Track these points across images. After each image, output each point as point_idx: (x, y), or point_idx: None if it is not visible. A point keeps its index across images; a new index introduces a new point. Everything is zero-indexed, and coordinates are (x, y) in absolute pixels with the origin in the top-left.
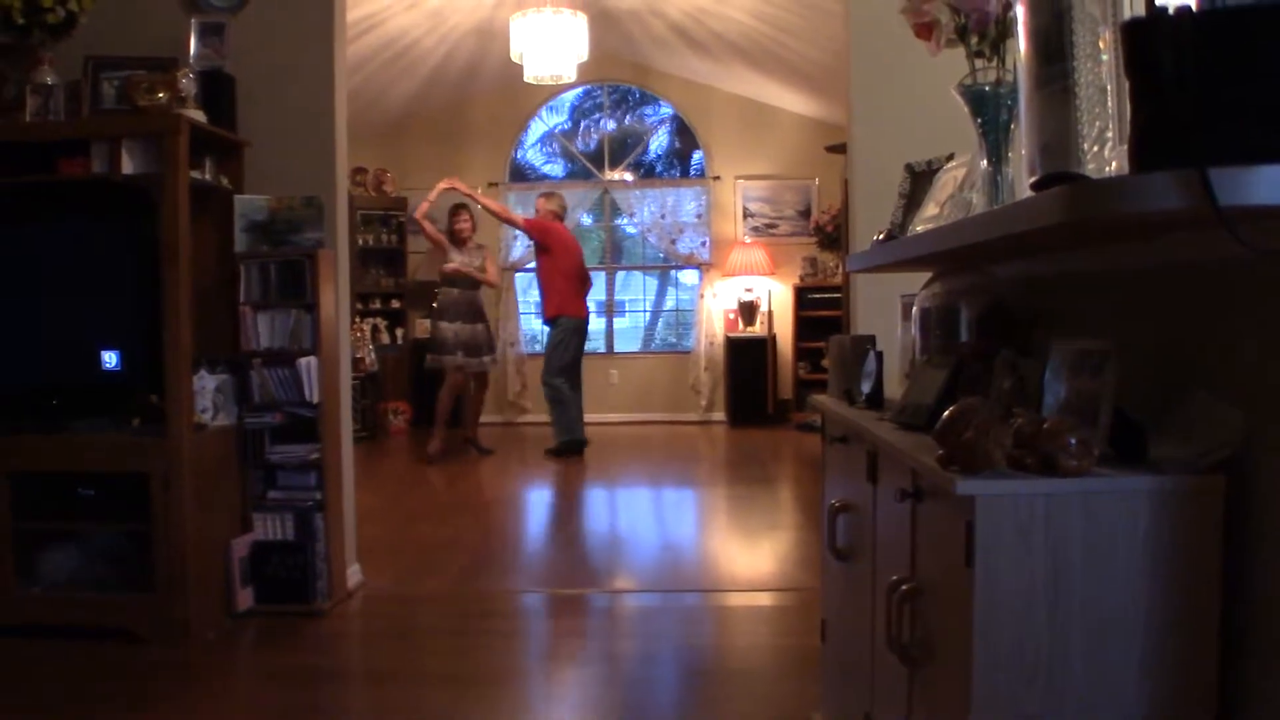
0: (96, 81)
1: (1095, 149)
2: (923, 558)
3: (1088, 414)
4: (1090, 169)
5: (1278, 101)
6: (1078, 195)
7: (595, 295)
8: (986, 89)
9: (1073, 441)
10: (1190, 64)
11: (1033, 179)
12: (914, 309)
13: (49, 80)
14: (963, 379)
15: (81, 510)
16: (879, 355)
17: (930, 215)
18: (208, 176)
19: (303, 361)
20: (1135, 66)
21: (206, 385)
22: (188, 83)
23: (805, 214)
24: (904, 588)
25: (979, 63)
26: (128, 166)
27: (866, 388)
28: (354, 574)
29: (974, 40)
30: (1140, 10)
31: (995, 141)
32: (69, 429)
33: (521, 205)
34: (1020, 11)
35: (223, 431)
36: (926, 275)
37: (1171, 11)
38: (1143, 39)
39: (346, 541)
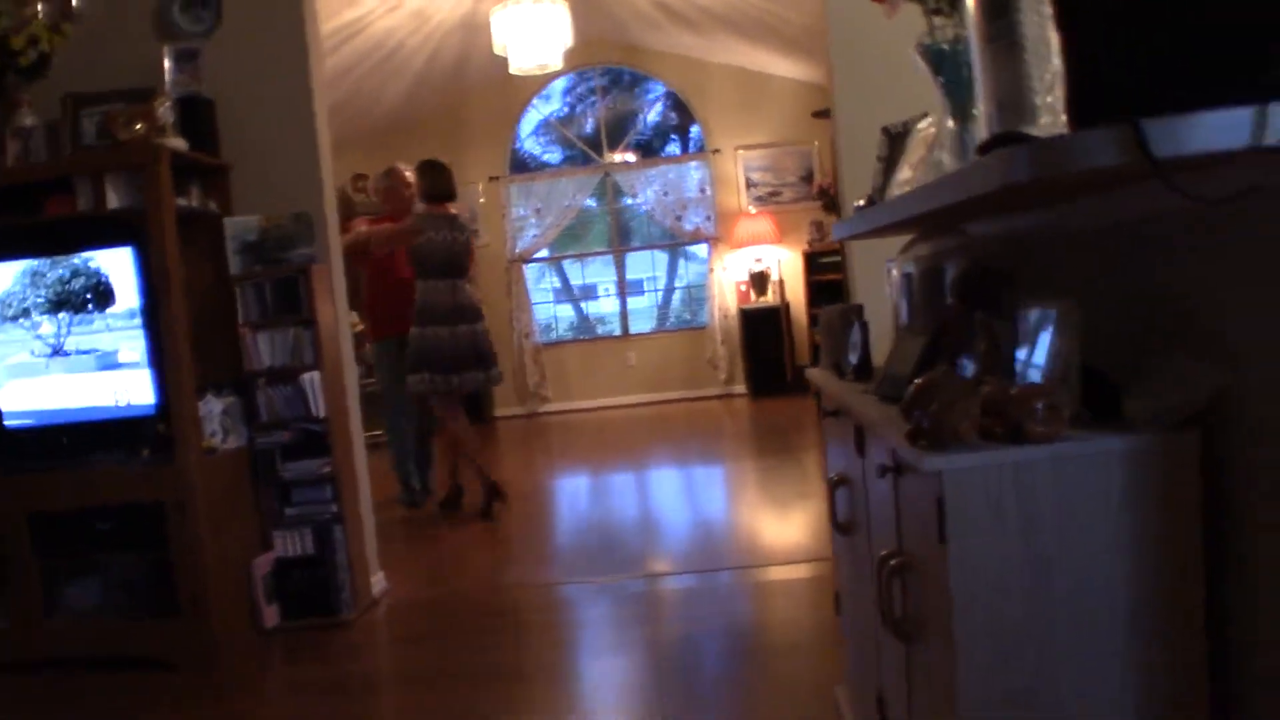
0: (76, 118)
1: (1049, 100)
2: (907, 532)
3: (1059, 375)
4: (1045, 122)
5: (1207, 47)
6: (1015, 158)
7: (606, 277)
8: (945, 47)
9: (1040, 407)
10: (1115, 14)
11: (980, 141)
12: (893, 274)
13: (28, 122)
14: (942, 345)
15: (101, 542)
16: (864, 326)
17: (904, 179)
18: (194, 203)
19: (306, 377)
20: (1064, 20)
21: (214, 409)
22: (165, 111)
23: (808, 179)
24: (892, 562)
25: (937, 20)
26: (113, 200)
27: (854, 359)
28: (378, 582)
29: None
30: None
31: (960, 99)
32: (82, 464)
33: (524, 196)
34: None
35: (235, 453)
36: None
37: None
38: None
39: (367, 550)
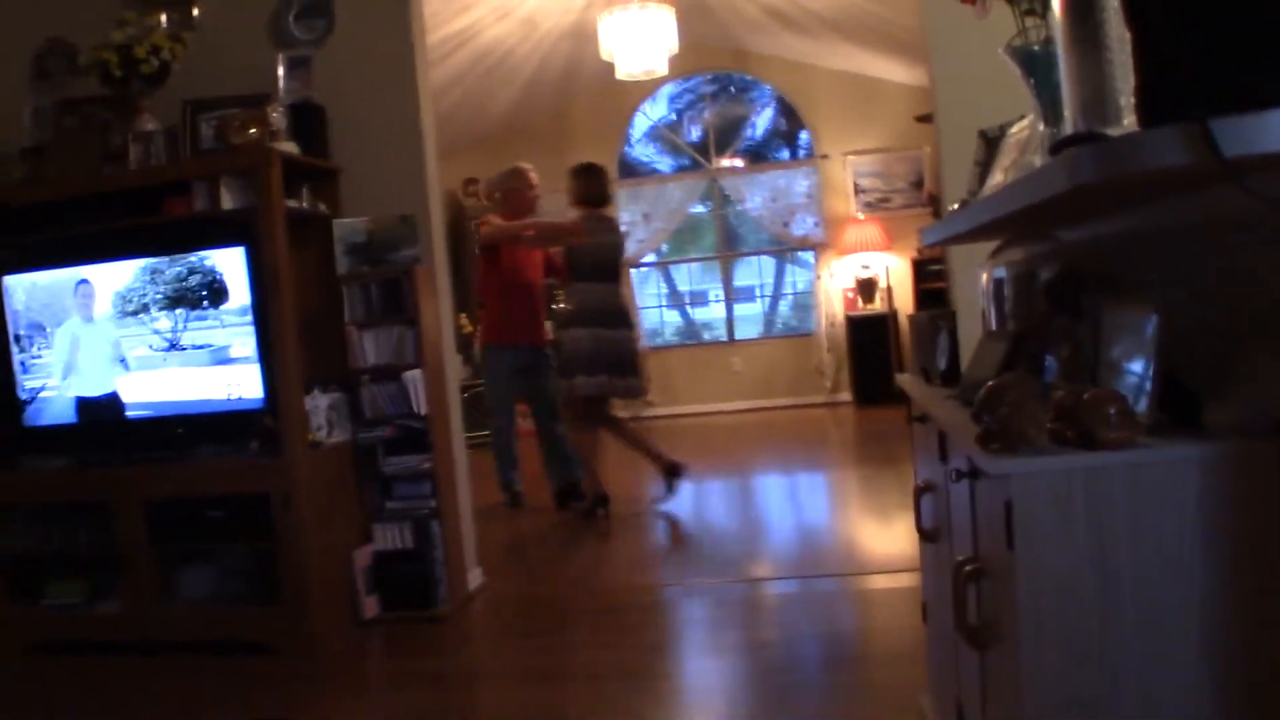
0: (194, 123)
1: (1133, 102)
2: (983, 538)
3: (1138, 380)
4: (1128, 123)
5: (1278, 44)
6: (1081, 159)
7: (714, 282)
8: (1036, 48)
9: (1113, 412)
10: (1184, 12)
11: (1052, 143)
12: (983, 279)
13: (149, 127)
14: (1023, 350)
15: (212, 531)
16: (952, 331)
17: (996, 182)
18: (305, 204)
19: (408, 375)
20: (1134, 18)
21: (319, 404)
22: (278, 117)
23: (918, 185)
24: (968, 569)
25: (1029, 21)
26: (227, 202)
27: (942, 364)
28: (475, 577)
29: None
30: None
31: (1051, 101)
32: (194, 456)
33: (632, 200)
34: None
35: (339, 448)
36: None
37: None
38: None
39: (465, 546)
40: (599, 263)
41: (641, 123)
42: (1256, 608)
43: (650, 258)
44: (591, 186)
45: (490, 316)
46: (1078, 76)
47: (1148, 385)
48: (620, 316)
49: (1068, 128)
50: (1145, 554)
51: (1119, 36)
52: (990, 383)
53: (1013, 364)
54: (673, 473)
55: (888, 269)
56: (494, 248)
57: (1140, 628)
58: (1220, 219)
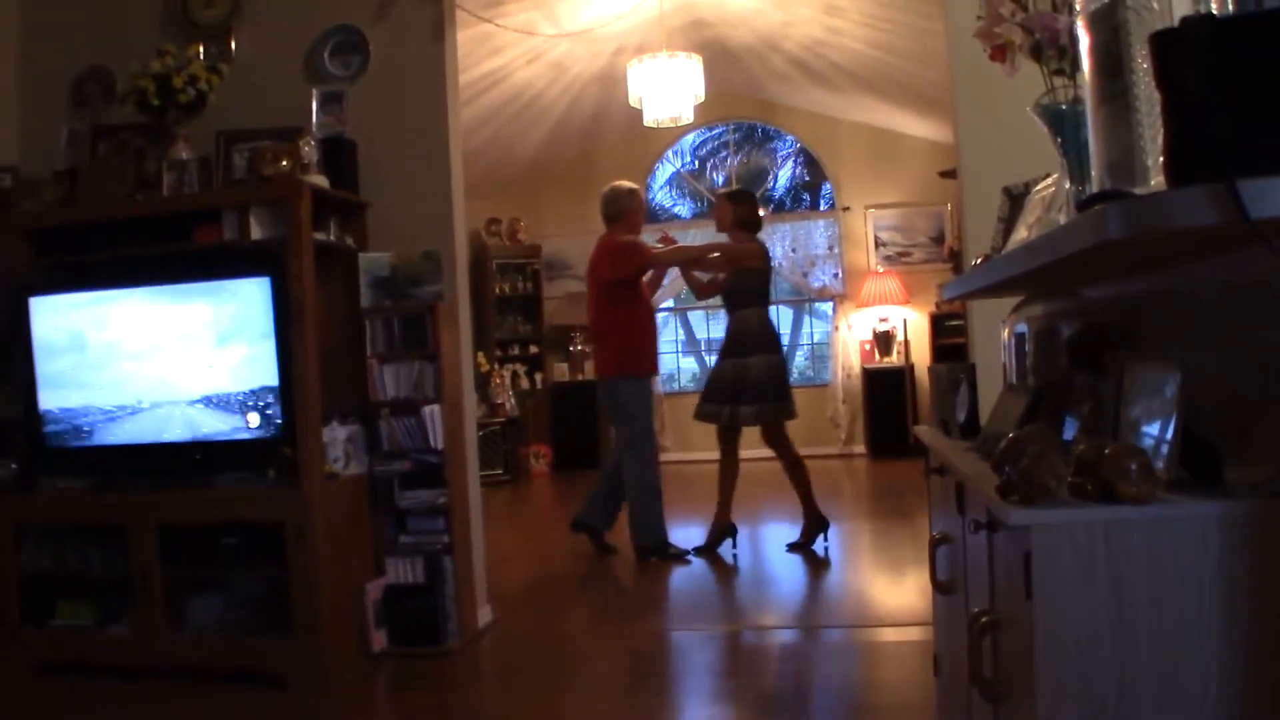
0: (227, 153)
1: (1161, 162)
2: (1000, 590)
3: (1159, 438)
4: (1155, 183)
5: None
6: (1108, 215)
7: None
8: (1064, 107)
9: (1134, 467)
10: (1215, 73)
11: (1078, 200)
12: (1005, 334)
13: (183, 155)
14: (1044, 404)
15: (225, 558)
16: (972, 385)
17: (1019, 239)
18: (332, 237)
19: (427, 410)
20: (1164, 78)
21: (338, 436)
22: (309, 150)
23: (939, 240)
24: (984, 620)
25: (1058, 80)
26: (256, 232)
27: (961, 417)
28: (485, 614)
29: (1051, 58)
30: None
31: (1077, 160)
32: (210, 482)
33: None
34: (1081, 28)
35: (355, 480)
36: None
37: (1192, 20)
38: (1169, 50)
39: (477, 583)
40: (763, 288)
41: (664, 169)
42: (1275, 669)
43: (669, 303)
44: (749, 212)
45: (630, 345)
46: (1106, 136)
47: (1168, 442)
48: (774, 341)
49: (1093, 186)
50: (1164, 610)
51: (1147, 98)
52: (1012, 434)
53: (1034, 418)
54: (728, 532)
55: (905, 322)
56: (635, 276)
57: (1158, 683)
58: (1243, 280)
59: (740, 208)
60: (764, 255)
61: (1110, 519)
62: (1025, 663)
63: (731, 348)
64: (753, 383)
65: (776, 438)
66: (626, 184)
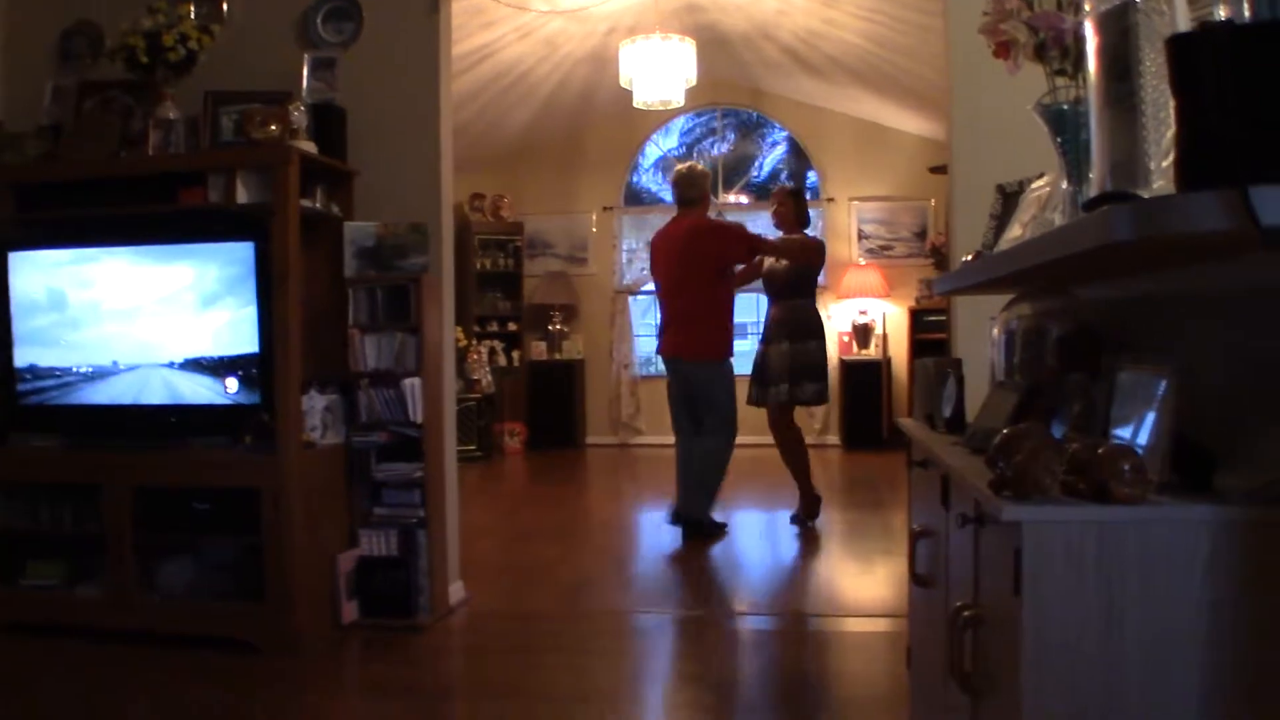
0: (215, 115)
1: (1164, 166)
2: (985, 585)
3: (1151, 440)
4: (1157, 186)
5: None
6: (1117, 216)
7: None
8: (1065, 107)
9: (1127, 468)
10: (1231, 79)
11: (1084, 200)
12: (995, 331)
13: (170, 115)
14: (1035, 403)
15: (198, 523)
16: (959, 380)
17: (1013, 236)
18: (319, 205)
19: (407, 382)
20: (1179, 83)
21: (316, 405)
22: (299, 115)
23: (921, 235)
24: (966, 614)
25: (1060, 81)
26: (242, 196)
27: (947, 411)
28: (456, 590)
29: (1054, 58)
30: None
31: (1076, 161)
32: (187, 446)
33: (636, 229)
34: (1089, 29)
35: (332, 450)
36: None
37: (1212, 25)
38: (1185, 54)
39: (449, 558)
40: (811, 279)
41: (651, 152)
42: (1261, 673)
43: (649, 286)
44: (805, 209)
45: (729, 329)
46: (1109, 137)
47: (1157, 445)
48: (818, 328)
49: (1093, 187)
50: (1153, 611)
51: (1154, 101)
52: (1006, 430)
53: (1024, 416)
54: (812, 512)
55: (885, 316)
56: (748, 260)
57: (1144, 683)
58: (1241, 287)
59: (798, 205)
60: (824, 250)
61: (1103, 518)
62: (1010, 659)
63: (786, 332)
64: (814, 363)
65: (787, 418)
66: (698, 164)
